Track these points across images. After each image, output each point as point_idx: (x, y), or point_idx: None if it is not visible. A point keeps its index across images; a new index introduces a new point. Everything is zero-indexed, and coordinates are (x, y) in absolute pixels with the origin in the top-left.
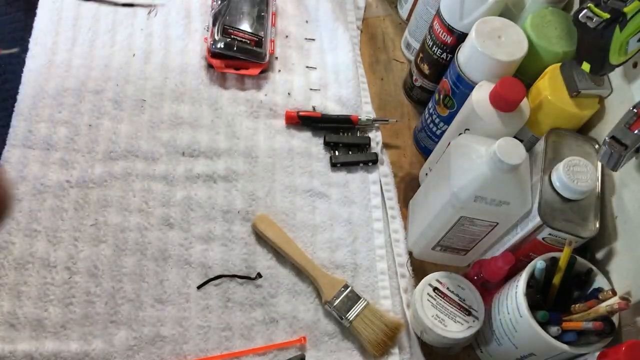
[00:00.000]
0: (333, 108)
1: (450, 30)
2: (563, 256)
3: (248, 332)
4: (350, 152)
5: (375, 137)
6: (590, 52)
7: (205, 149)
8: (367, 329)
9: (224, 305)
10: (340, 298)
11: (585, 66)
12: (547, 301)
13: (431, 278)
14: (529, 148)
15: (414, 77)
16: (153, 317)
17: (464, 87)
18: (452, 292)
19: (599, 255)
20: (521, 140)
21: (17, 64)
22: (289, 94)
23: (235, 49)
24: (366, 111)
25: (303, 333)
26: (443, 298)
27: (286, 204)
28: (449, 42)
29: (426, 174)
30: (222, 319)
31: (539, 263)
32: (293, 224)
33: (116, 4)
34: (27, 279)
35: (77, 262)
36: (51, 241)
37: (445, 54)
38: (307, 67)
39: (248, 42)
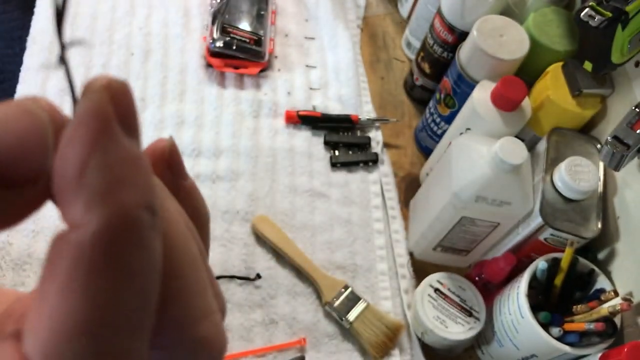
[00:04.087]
0: (333, 107)
1: (451, 28)
2: (565, 257)
3: (247, 334)
4: (350, 152)
5: (376, 137)
6: (592, 51)
7: (204, 149)
8: (368, 330)
9: None
10: (341, 299)
11: (587, 65)
12: (549, 302)
13: (432, 279)
14: (531, 148)
15: (415, 76)
16: None
17: (465, 86)
18: (453, 293)
19: (601, 255)
20: (523, 140)
21: (14, 62)
22: (288, 93)
23: (234, 47)
24: (366, 110)
25: (303, 334)
26: (444, 299)
27: (286, 204)
28: (450, 40)
29: (427, 173)
30: None
31: (540, 264)
32: (293, 225)
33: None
34: (25, 279)
35: None
36: (49, 242)
37: (446, 52)
38: (307, 66)
39: (247, 40)
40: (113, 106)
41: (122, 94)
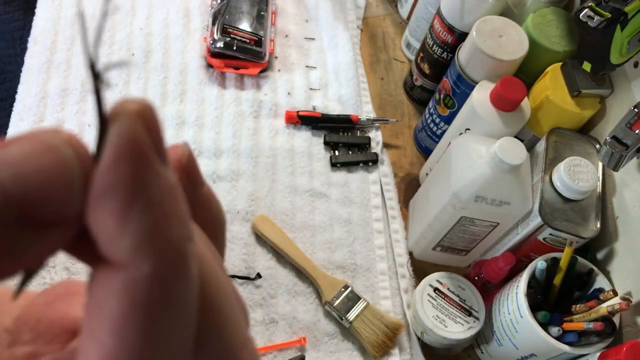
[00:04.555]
0: (333, 108)
1: (450, 29)
2: (564, 256)
3: None
4: (350, 152)
5: (376, 137)
6: (591, 51)
7: (205, 149)
8: (367, 330)
9: None
10: (341, 298)
11: (586, 66)
12: (548, 302)
13: (432, 278)
14: (530, 148)
15: (415, 77)
16: None
17: (464, 87)
18: (453, 292)
19: (600, 255)
20: (522, 140)
21: (16, 63)
22: (288, 93)
23: (234, 48)
24: (366, 111)
25: (303, 334)
26: (443, 298)
27: (286, 204)
28: (449, 41)
29: (426, 173)
30: None
31: (539, 263)
32: (293, 224)
33: None
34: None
35: (76, 262)
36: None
37: (445, 53)
38: (307, 66)
39: (248, 41)
40: (148, 134)
41: (153, 119)
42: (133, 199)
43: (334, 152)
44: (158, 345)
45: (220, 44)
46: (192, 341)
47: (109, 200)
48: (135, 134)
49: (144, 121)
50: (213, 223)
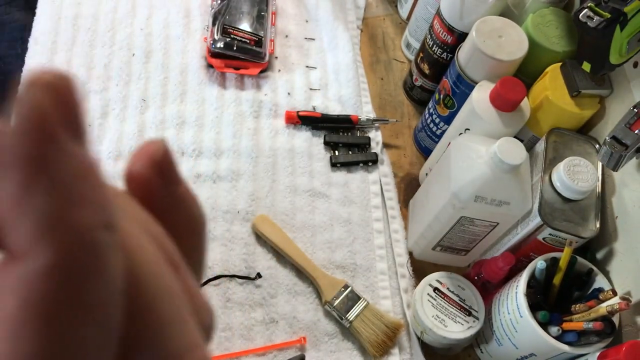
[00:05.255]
0: (333, 108)
1: (450, 29)
2: (563, 256)
3: (248, 333)
4: (350, 152)
5: (375, 137)
6: (591, 51)
7: (206, 149)
8: (367, 329)
9: (224, 305)
10: (340, 298)
11: (586, 66)
12: (548, 301)
13: (431, 278)
14: (530, 148)
15: (414, 77)
16: None
17: (464, 87)
18: (453, 292)
19: (600, 255)
20: (521, 140)
21: (16, 63)
22: (288, 93)
23: (235, 48)
24: (366, 111)
25: (303, 333)
26: (443, 298)
27: (286, 204)
28: (449, 41)
29: (426, 173)
30: (221, 319)
31: (539, 263)
32: (293, 224)
33: None
34: None
35: None
36: None
37: (445, 53)
38: (307, 66)
39: (248, 41)
40: (58, 108)
41: (67, 92)
42: (32, 178)
43: (334, 152)
44: (63, 354)
45: (220, 44)
46: (116, 348)
47: (6, 181)
48: (38, 106)
49: (54, 94)
50: (188, 225)
